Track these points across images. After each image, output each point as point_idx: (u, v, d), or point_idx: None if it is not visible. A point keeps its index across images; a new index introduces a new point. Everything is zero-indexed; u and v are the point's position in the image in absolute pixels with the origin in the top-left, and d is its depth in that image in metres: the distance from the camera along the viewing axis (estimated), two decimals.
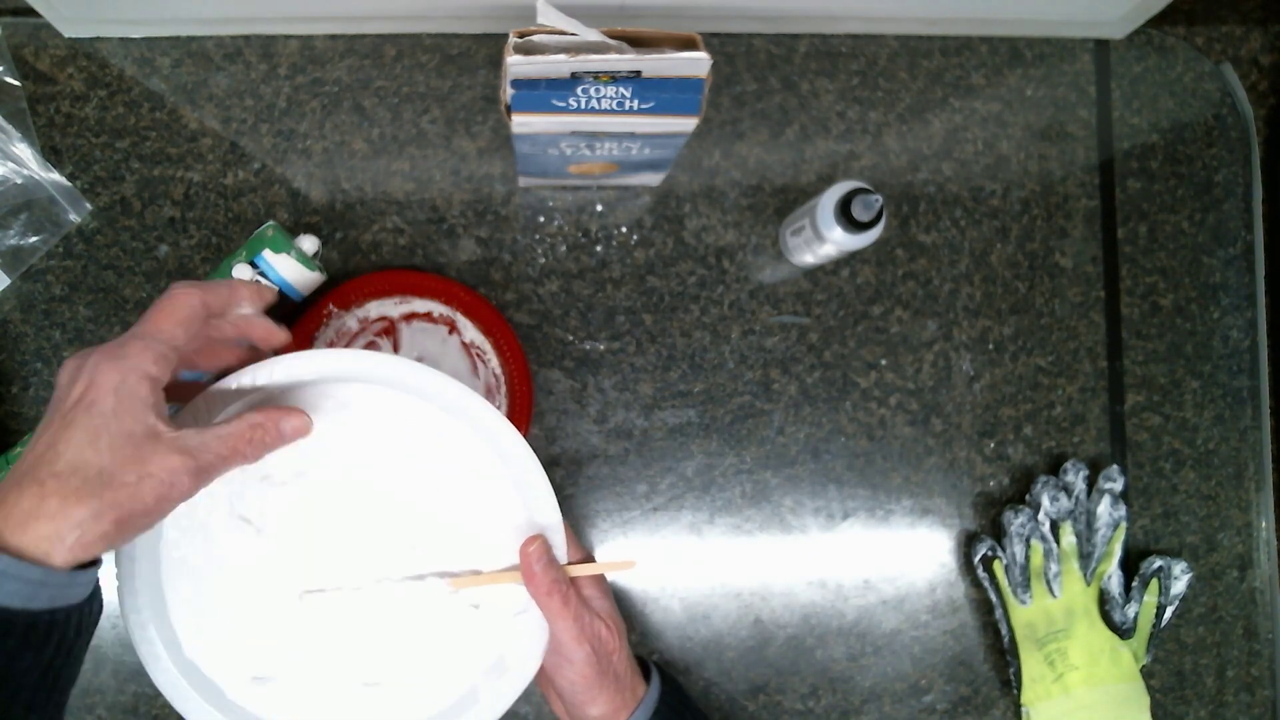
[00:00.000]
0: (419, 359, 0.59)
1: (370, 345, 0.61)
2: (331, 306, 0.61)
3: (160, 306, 0.39)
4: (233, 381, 0.43)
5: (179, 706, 0.44)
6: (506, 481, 0.46)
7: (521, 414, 0.61)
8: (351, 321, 0.61)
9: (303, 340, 0.60)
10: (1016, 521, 0.64)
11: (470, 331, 0.62)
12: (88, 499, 0.34)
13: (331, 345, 0.61)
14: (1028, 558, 0.64)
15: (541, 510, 0.46)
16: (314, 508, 0.45)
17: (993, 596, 0.66)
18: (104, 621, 0.54)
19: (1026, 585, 0.64)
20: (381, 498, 0.46)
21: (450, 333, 0.62)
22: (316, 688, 0.45)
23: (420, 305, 0.62)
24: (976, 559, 0.65)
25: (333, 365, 0.44)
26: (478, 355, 0.62)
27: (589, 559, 0.48)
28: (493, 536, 0.46)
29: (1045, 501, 0.65)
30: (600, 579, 0.48)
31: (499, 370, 0.62)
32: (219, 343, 0.44)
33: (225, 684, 0.45)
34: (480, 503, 0.46)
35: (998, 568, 0.65)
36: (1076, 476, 0.66)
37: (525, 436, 0.47)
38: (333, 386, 0.45)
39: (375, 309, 0.61)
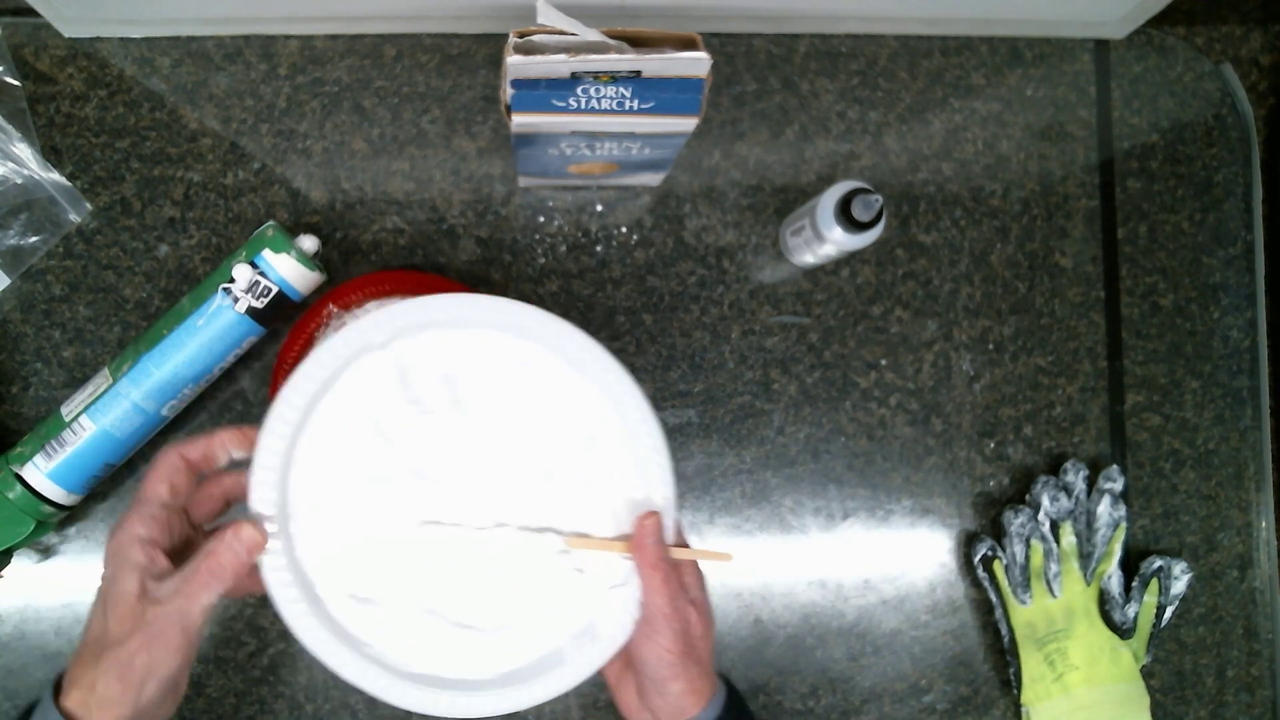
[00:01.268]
0: None
1: None
2: (331, 306, 0.61)
3: (150, 468, 0.43)
4: (371, 313, 0.45)
5: (278, 602, 0.44)
6: (630, 454, 0.47)
7: None
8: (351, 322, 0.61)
9: (303, 341, 0.60)
10: (1016, 521, 0.64)
11: None
12: (98, 661, 0.39)
13: None
14: (1028, 558, 0.64)
15: (659, 488, 0.47)
16: (450, 442, 0.46)
17: (993, 596, 0.66)
18: None
19: (1026, 585, 0.64)
20: (514, 447, 0.47)
21: None
22: (411, 619, 0.46)
23: None
24: (976, 559, 0.66)
25: (495, 315, 0.45)
26: None
27: (685, 546, 0.49)
28: (609, 506, 0.47)
29: (1045, 501, 0.65)
30: (697, 570, 0.49)
31: None
32: (210, 499, 0.46)
33: (326, 596, 0.45)
34: (602, 471, 0.47)
35: (998, 568, 0.65)
36: (1076, 476, 0.66)
37: None
38: (493, 333, 0.46)
39: (375, 309, 0.61)
